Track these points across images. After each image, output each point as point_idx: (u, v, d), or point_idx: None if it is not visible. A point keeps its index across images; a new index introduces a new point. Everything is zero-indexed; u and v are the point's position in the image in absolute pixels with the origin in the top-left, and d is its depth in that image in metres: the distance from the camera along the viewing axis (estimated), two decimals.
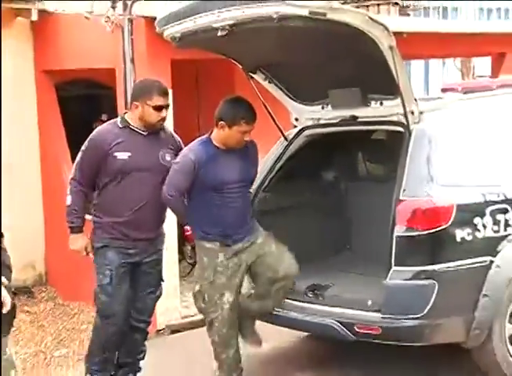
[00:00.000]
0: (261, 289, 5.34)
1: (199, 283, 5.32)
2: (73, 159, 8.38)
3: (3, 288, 3.48)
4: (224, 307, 5.16)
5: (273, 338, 6.16)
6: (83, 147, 5.23)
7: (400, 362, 5.53)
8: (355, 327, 5.04)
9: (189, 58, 6.59)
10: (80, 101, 8.70)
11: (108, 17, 6.84)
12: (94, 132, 5.29)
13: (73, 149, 8.43)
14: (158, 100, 5.11)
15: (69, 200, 5.20)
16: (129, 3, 6.86)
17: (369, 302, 5.05)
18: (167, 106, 5.17)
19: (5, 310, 3.49)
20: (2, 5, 7.71)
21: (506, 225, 5.27)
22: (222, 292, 5.16)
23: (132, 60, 6.86)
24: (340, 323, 5.09)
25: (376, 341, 5.09)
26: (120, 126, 5.18)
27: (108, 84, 7.61)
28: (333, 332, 5.18)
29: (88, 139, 5.24)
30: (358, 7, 13.22)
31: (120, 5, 6.84)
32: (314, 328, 5.53)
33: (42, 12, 7.94)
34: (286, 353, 6.30)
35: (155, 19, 5.60)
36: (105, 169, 5.12)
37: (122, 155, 5.08)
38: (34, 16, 7.88)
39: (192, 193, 5.22)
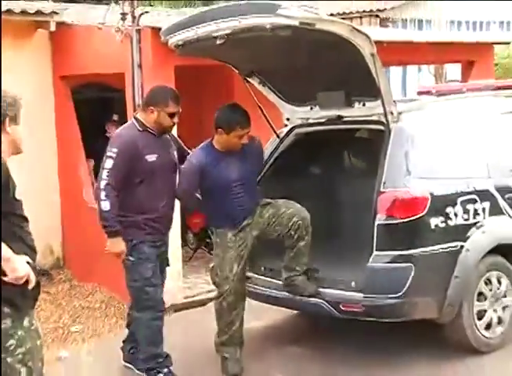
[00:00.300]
0: (287, 244, 5.30)
1: (213, 261, 5.44)
2: (86, 154, 8.46)
3: (29, 266, 3.46)
4: (233, 279, 5.21)
5: (266, 315, 6.16)
6: (112, 154, 4.95)
7: (380, 336, 5.52)
8: (341, 306, 5.06)
9: (191, 64, 6.57)
10: (93, 103, 8.67)
11: (118, 28, 6.84)
12: (119, 137, 5.11)
13: (87, 145, 8.45)
14: (173, 108, 5.08)
15: (107, 205, 4.88)
16: (137, 15, 6.89)
17: (353, 283, 5.07)
18: (179, 113, 5.13)
19: (30, 286, 3.48)
20: (25, 18, 7.79)
21: (475, 213, 5.29)
22: (232, 266, 5.21)
23: (140, 66, 6.86)
24: (328, 302, 5.12)
25: (359, 318, 5.11)
26: (140, 129, 5.08)
27: (118, 87, 7.59)
28: (320, 310, 5.21)
29: (116, 144, 5.01)
30: (343, 19, 13.26)
31: (129, 17, 6.86)
32: (304, 307, 5.53)
33: (60, 24, 7.99)
34: (277, 329, 6.29)
35: (160, 29, 5.61)
36: (135, 171, 5.00)
37: (151, 157, 5.01)
38: (53, 28, 7.92)
39: (202, 190, 5.29)
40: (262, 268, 5.69)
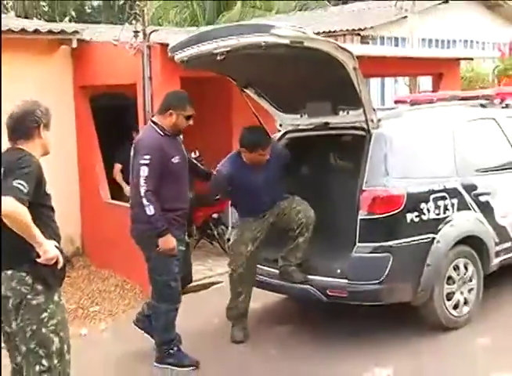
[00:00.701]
0: (289, 235, 5.33)
1: (232, 240, 5.46)
2: (103, 156, 8.40)
3: (57, 250, 3.55)
4: (247, 255, 5.25)
5: (261, 299, 6.09)
6: (146, 161, 4.70)
7: (361, 317, 5.47)
8: (327, 291, 5.03)
9: (195, 76, 6.52)
10: (108, 109, 8.61)
11: (131, 44, 6.86)
12: (147, 144, 4.83)
13: (103, 147, 8.39)
14: (190, 111, 4.95)
15: (152, 209, 4.67)
16: (148, 33, 6.89)
17: (338, 271, 5.03)
18: (193, 115, 5.01)
19: (59, 266, 3.57)
20: (51, 36, 7.81)
21: (445, 209, 5.26)
22: (247, 244, 5.26)
23: (150, 78, 6.86)
24: (316, 288, 5.08)
25: (344, 302, 5.06)
26: (162, 134, 4.88)
27: (130, 96, 7.54)
28: (309, 295, 5.16)
29: (147, 151, 4.75)
30: (329, 37, 13.20)
31: (140, 34, 6.87)
32: (294, 292, 5.46)
33: (80, 41, 8.03)
34: (271, 311, 6.22)
35: (168, 45, 5.59)
36: (165, 173, 4.80)
37: (176, 159, 4.86)
38: (74, 45, 7.99)
39: (231, 190, 5.33)
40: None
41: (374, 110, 5.19)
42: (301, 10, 19.69)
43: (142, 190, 4.70)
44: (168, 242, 4.78)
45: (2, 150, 3.65)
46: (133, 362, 5.23)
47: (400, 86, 12.70)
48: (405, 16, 12.65)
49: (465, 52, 13.89)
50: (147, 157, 4.73)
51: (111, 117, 8.52)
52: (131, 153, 4.92)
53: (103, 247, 7.84)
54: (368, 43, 13.01)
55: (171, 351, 4.94)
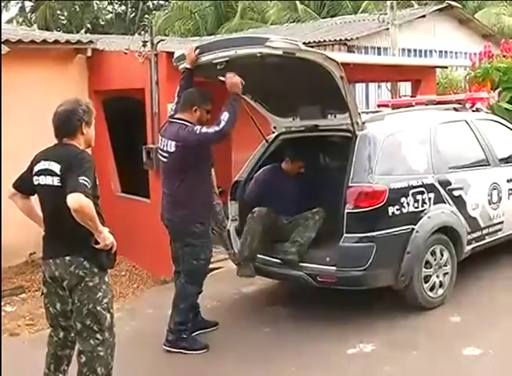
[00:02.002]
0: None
1: None
2: (114, 153, 8.35)
3: (111, 235, 3.59)
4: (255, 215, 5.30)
5: (257, 283, 6.06)
6: (198, 130, 4.57)
7: (347, 300, 5.43)
8: (318, 277, 4.99)
9: (196, 81, 6.48)
10: (119, 112, 8.57)
11: (140, 52, 6.84)
12: (193, 129, 4.64)
13: (114, 145, 8.35)
14: (210, 105, 4.84)
15: None
16: (155, 43, 6.86)
17: (328, 259, 5.00)
18: (211, 110, 4.88)
19: (113, 250, 3.62)
20: (68, 46, 7.82)
21: (423, 203, 5.23)
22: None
23: (157, 83, 6.84)
24: (307, 274, 5.04)
25: (332, 287, 5.04)
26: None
27: (139, 99, 7.49)
28: (302, 281, 5.13)
29: (196, 127, 4.62)
30: (318, 47, 13.16)
31: (148, 44, 6.84)
32: (288, 278, 5.42)
33: (95, 50, 8.02)
34: (265, 293, 6.17)
35: (173, 54, 5.55)
36: (205, 163, 4.82)
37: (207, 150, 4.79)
38: (89, 53, 8.00)
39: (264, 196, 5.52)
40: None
41: (359, 113, 5.14)
42: (293, 22, 19.65)
43: (211, 130, 4.54)
44: None
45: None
46: (145, 338, 5.20)
47: (383, 91, 12.66)
48: (387, 29, 12.61)
49: (440, 60, 13.87)
50: (198, 127, 4.61)
51: (121, 118, 8.47)
52: (170, 148, 4.67)
53: (114, 235, 7.77)
54: (354, 52, 12.98)
55: (184, 335, 4.81)
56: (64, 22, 26.78)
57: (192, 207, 4.70)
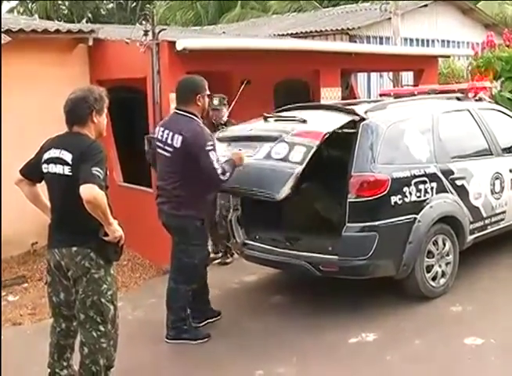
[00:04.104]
0: None
1: None
2: (116, 143, 8.31)
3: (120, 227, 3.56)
4: None
5: (258, 272, 6.05)
6: (211, 147, 4.43)
7: (348, 290, 5.43)
8: (320, 266, 4.97)
9: (199, 70, 6.45)
10: (121, 101, 8.54)
11: (142, 42, 6.78)
12: (205, 131, 4.53)
13: (116, 134, 8.31)
14: (208, 89, 4.69)
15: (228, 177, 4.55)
16: (156, 32, 6.79)
17: (330, 248, 4.97)
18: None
19: (121, 243, 3.60)
20: (69, 35, 7.74)
21: (425, 192, 5.20)
22: None
23: (158, 72, 6.78)
24: (310, 263, 5.01)
25: (334, 276, 5.03)
26: (200, 121, 4.64)
27: (140, 88, 7.45)
28: (304, 270, 5.11)
29: (208, 136, 4.49)
30: (320, 36, 13.10)
31: (150, 33, 6.79)
32: (290, 267, 5.39)
33: (96, 40, 7.96)
34: (266, 283, 6.17)
35: (174, 43, 5.51)
36: None
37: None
38: (91, 43, 7.93)
39: None
40: (256, 236, 5.55)
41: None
42: (295, 12, 19.54)
43: (219, 171, 4.45)
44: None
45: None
46: (147, 327, 5.21)
47: (385, 80, 12.60)
48: (389, 18, 12.54)
49: (442, 50, 13.83)
50: (211, 142, 4.47)
51: (123, 107, 8.43)
52: (176, 143, 4.51)
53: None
54: (356, 41, 12.92)
55: (185, 327, 4.78)
56: (65, 12, 26.67)
57: (194, 207, 4.58)
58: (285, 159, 4.74)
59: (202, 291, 5.01)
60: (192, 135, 4.47)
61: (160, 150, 4.69)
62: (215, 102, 6.44)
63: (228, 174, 4.52)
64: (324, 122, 5.07)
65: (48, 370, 3.84)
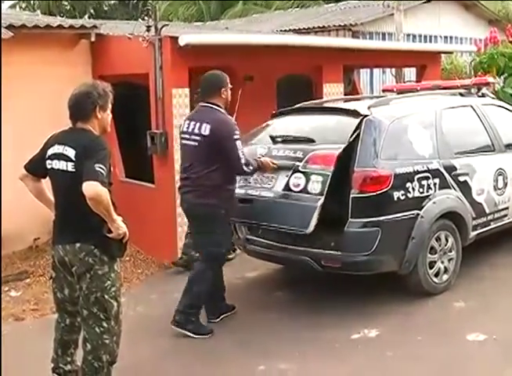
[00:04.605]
0: None
1: None
2: (118, 139, 8.31)
3: (124, 224, 3.53)
4: None
5: (261, 268, 6.05)
6: (237, 136, 4.60)
7: (351, 284, 5.44)
8: (322, 262, 4.96)
9: (202, 66, 6.44)
10: (123, 97, 8.52)
11: (144, 37, 6.75)
12: (230, 121, 4.71)
13: (118, 130, 8.30)
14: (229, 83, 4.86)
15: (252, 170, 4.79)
16: (159, 27, 6.77)
17: (333, 244, 4.96)
18: None
19: (125, 240, 3.57)
20: (72, 31, 7.67)
21: (428, 188, 5.19)
22: None
23: (161, 68, 6.75)
24: (312, 259, 5.00)
25: (337, 271, 5.02)
26: (227, 114, 4.81)
27: (143, 84, 7.44)
28: (306, 265, 5.09)
29: (235, 127, 4.66)
30: (322, 31, 13.07)
31: (152, 29, 6.76)
32: (293, 262, 5.40)
33: (98, 35, 7.91)
34: (268, 278, 6.17)
35: (177, 38, 5.49)
36: None
37: None
38: (93, 38, 7.87)
39: None
40: (259, 231, 5.51)
41: None
42: (297, 7, 19.50)
43: (243, 161, 4.63)
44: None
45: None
46: (149, 323, 5.20)
47: (387, 76, 12.58)
48: (392, 14, 12.49)
49: (445, 46, 13.79)
50: (237, 132, 4.64)
51: (126, 103, 8.42)
52: (205, 131, 4.64)
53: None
54: (358, 37, 12.89)
55: (193, 318, 4.79)
56: (67, 7, 26.62)
57: (218, 196, 4.65)
58: (305, 191, 4.92)
59: (219, 287, 5.08)
60: (220, 124, 4.65)
61: (185, 141, 4.84)
62: None
63: (251, 167, 4.73)
64: (331, 136, 5.21)
65: (52, 365, 3.84)
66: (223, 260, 4.90)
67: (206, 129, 4.64)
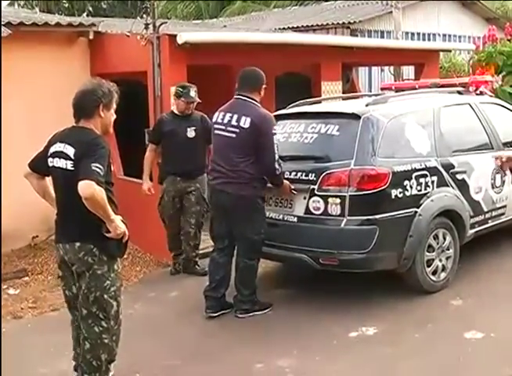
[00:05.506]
0: None
1: None
2: (116, 136, 8.30)
3: (123, 224, 3.52)
4: None
5: (259, 266, 6.03)
6: (276, 132, 4.83)
7: (348, 283, 5.43)
8: (320, 260, 4.96)
9: (200, 64, 6.44)
10: (122, 95, 8.51)
11: (142, 35, 6.75)
12: (270, 116, 4.88)
13: (116, 128, 8.29)
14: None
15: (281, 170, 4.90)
16: (157, 25, 6.77)
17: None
18: None
19: (125, 239, 3.57)
20: (70, 29, 7.70)
21: (426, 186, 5.19)
22: None
23: (159, 65, 6.75)
24: (309, 256, 5.00)
25: (335, 269, 5.04)
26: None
27: (141, 82, 7.43)
28: (304, 263, 5.10)
29: (273, 122, 4.83)
30: (321, 29, 13.06)
31: (150, 27, 6.77)
32: (290, 260, 5.39)
33: (97, 33, 7.94)
34: (268, 276, 6.14)
35: (175, 36, 5.49)
36: None
37: None
38: (91, 36, 7.90)
39: None
40: None
41: None
42: (296, 5, 19.49)
43: (276, 157, 4.77)
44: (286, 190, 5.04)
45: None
46: (147, 321, 5.21)
47: (386, 74, 12.58)
48: (391, 12, 12.51)
49: (444, 44, 13.80)
50: (275, 128, 4.82)
51: (124, 101, 8.42)
52: (244, 124, 4.76)
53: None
54: (357, 35, 12.89)
55: (255, 299, 5.06)
56: (66, 5, 26.58)
57: (257, 185, 4.84)
58: (326, 213, 4.96)
59: (227, 280, 5.15)
60: (261, 118, 4.77)
61: (220, 132, 4.90)
62: (192, 93, 6.07)
63: (280, 169, 4.84)
64: (337, 150, 5.16)
65: (74, 363, 3.83)
66: (261, 246, 5.00)
67: (246, 122, 4.74)
